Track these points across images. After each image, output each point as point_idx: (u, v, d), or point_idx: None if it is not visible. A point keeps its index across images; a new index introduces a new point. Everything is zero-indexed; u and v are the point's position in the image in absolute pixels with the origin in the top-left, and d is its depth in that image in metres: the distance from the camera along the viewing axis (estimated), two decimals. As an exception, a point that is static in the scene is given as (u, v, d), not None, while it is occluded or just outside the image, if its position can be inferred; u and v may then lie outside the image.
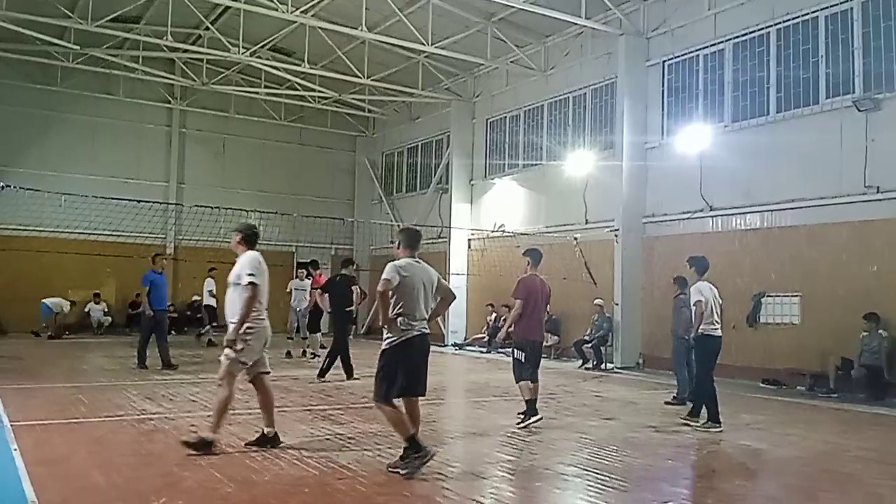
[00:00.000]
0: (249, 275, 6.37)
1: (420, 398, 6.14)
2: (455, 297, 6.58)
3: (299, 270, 16.97)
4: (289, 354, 15.91)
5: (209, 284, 17.90)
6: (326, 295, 13.10)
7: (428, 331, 6.10)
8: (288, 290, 16.70)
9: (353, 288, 12.37)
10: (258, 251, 6.68)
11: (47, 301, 19.39)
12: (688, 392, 10.38)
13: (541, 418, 8.01)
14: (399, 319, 5.91)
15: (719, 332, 8.70)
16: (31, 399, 9.17)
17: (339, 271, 12.96)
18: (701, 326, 8.57)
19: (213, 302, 17.82)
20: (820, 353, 12.20)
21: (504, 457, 6.67)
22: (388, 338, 5.96)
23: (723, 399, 9.92)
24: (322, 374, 11.83)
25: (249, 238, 6.76)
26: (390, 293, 5.91)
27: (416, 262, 6.16)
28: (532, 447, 7.19)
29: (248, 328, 6.39)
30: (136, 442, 6.75)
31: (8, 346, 16.37)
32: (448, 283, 6.54)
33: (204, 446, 6.26)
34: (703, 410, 8.53)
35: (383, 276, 5.92)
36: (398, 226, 23.76)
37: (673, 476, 6.34)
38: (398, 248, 6.28)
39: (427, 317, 6.10)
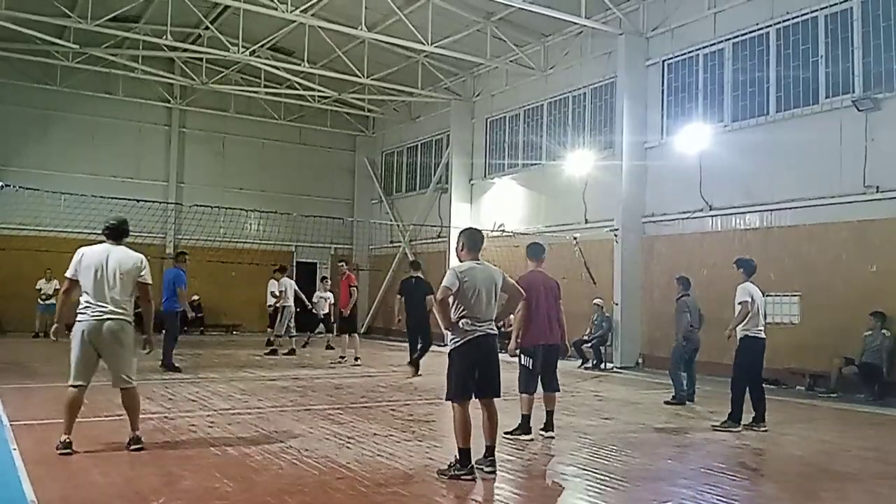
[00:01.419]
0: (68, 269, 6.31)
1: (495, 399, 6.01)
2: (524, 296, 6.38)
3: (322, 280, 17.06)
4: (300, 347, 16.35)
5: (272, 286, 17.65)
6: (402, 298, 13.23)
7: (494, 332, 6.01)
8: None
9: (428, 298, 12.43)
10: (116, 243, 6.43)
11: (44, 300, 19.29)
12: (687, 391, 10.36)
13: (532, 439, 7.46)
14: (462, 321, 5.83)
15: (764, 334, 8.63)
16: (30, 398, 9.17)
17: (411, 273, 13.19)
18: (747, 328, 8.46)
19: (273, 302, 17.75)
20: (820, 353, 12.20)
21: (503, 456, 6.65)
22: (453, 339, 5.89)
23: (722, 399, 9.93)
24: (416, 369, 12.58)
25: (105, 232, 6.52)
26: (451, 299, 5.84)
27: (478, 263, 6.03)
28: (531, 447, 7.18)
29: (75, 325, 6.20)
30: (135, 441, 6.73)
31: (7, 346, 16.36)
32: (514, 281, 6.36)
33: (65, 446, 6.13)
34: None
35: (443, 284, 5.84)
36: (398, 225, 23.84)
37: (672, 476, 6.33)
38: (461, 250, 6.12)
39: (492, 318, 5.99)
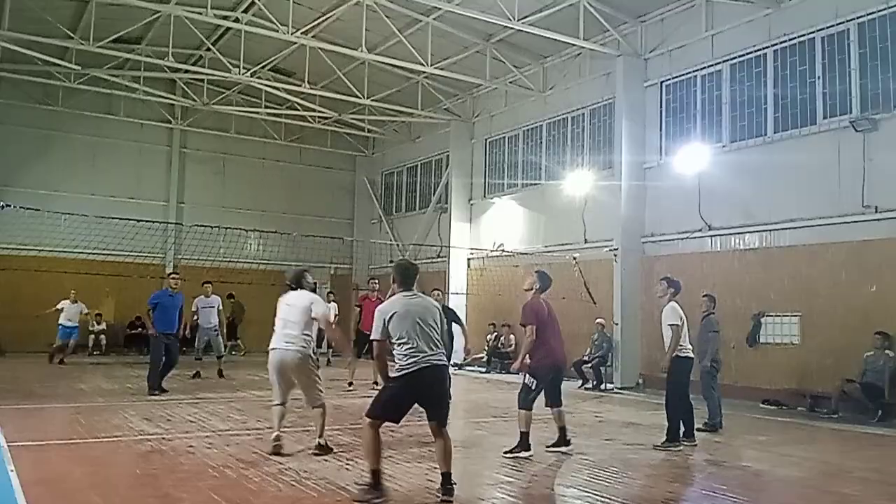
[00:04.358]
0: None
1: (442, 426, 5.84)
2: (451, 344, 6.24)
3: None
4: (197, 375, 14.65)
5: (216, 302, 15.49)
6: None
7: (443, 361, 5.77)
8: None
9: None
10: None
11: (67, 322, 17.96)
12: (716, 417, 9.86)
13: (531, 455, 7.50)
14: (402, 357, 5.65)
15: (692, 353, 8.76)
16: (28, 419, 9.14)
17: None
18: (678, 349, 8.49)
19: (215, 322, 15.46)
20: (820, 373, 12.16)
21: (503, 478, 6.63)
22: (398, 367, 5.69)
23: (723, 419, 9.90)
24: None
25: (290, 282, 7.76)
26: (386, 341, 5.72)
27: (410, 297, 5.82)
28: (531, 468, 7.14)
29: None
30: (133, 463, 6.71)
31: (6, 366, 16.30)
32: (447, 326, 6.14)
33: None
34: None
35: (371, 336, 5.75)
36: (398, 245, 23.86)
37: (674, 498, 6.29)
38: (393, 283, 6.01)
39: (440, 348, 5.75)
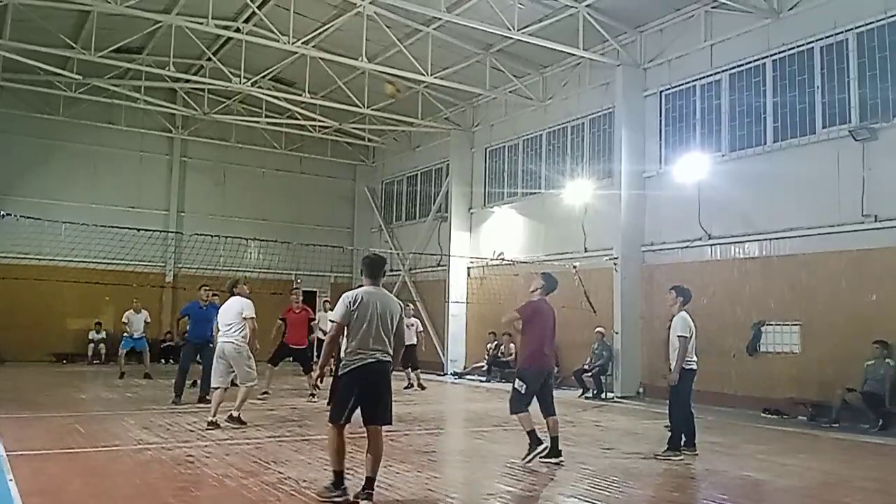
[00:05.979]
0: None
1: (384, 427, 5.90)
2: (403, 348, 6.29)
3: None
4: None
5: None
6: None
7: (386, 358, 5.83)
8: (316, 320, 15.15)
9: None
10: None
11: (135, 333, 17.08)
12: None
13: (546, 447, 7.58)
14: (350, 348, 5.76)
15: (696, 365, 8.63)
16: (27, 428, 9.12)
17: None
18: (685, 359, 8.41)
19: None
20: (821, 382, 12.15)
21: (503, 487, 6.61)
22: (343, 364, 5.82)
23: (724, 428, 9.91)
24: None
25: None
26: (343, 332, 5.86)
27: (375, 290, 5.94)
28: (532, 478, 7.12)
29: None
30: (132, 472, 6.69)
31: (6, 375, 16.28)
32: (405, 329, 6.31)
33: None
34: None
35: (331, 318, 5.85)
36: (398, 254, 23.87)
37: (674, 507, 6.28)
38: (361, 276, 6.13)
39: (387, 347, 5.83)
